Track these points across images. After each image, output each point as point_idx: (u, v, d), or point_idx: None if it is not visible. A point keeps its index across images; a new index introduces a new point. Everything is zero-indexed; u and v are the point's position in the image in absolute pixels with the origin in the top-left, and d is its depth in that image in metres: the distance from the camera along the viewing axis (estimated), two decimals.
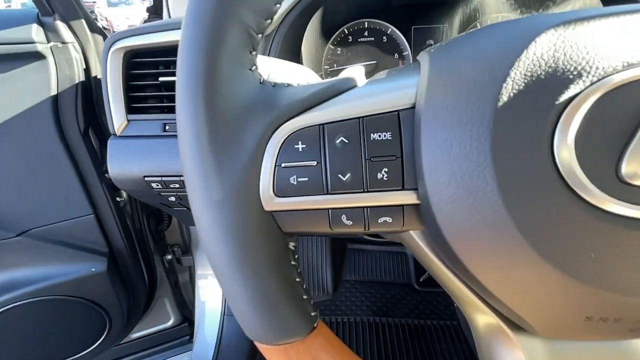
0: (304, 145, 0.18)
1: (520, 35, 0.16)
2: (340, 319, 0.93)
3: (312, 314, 0.20)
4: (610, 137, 0.14)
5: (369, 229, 0.19)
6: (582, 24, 0.15)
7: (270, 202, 0.18)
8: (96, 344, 0.74)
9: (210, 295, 0.90)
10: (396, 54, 0.53)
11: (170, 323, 0.98)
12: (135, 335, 0.94)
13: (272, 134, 0.18)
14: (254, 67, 0.19)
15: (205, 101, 0.17)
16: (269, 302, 0.18)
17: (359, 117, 0.18)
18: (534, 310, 0.17)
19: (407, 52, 0.52)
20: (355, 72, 0.24)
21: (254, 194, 0.18)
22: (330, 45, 0.53)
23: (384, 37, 0.52)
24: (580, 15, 0.15)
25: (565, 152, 0.14)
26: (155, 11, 0.71)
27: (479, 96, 0.15)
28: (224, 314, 0.87)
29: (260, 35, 0.19)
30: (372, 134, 0.18)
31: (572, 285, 0.15)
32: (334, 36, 0.52)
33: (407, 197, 0.18)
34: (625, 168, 0.14)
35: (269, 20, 0.19)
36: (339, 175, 0.18)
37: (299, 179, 0.18)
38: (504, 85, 0.15)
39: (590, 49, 0.15)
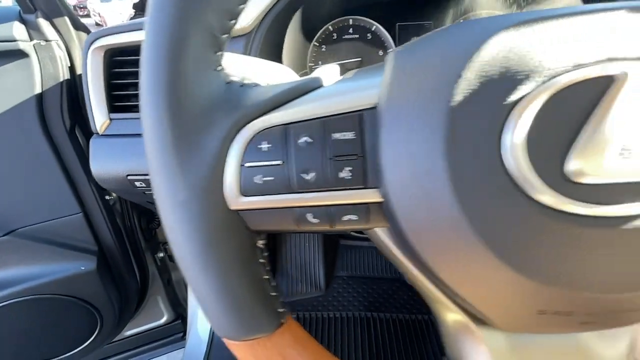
0: (269, 145, 0.18)
1: (476, 36, 0.16)
2: (333, 315, 0.94)
3: (280, 310, 0.20)
4: (557, 136, 0.14)
5: (335, 227, 0.19)
6: (535, 24, 0.15)
7: (236, 201, 0.18)
8: (88, 342, 0.74)
9: None
10: (381, 51, 0.53)
11: (163, 320, 0.99)
12: (128, 332, 0.95)
13: (237, 134, 0.18)
14: (219, 68, 0.19)
15: (167, 102, 0.17)
16: (233, 299, 0.18)
17: (322, 117, 0.18)
18: (492, 304, 0.17)
19: (391, 49, 0.52)
20: (327, 71, 0.24)
21: (218, 194, 0.18)
22: (315, 43, 0.53)
23: (369, 34, 0.52)
24: (535, 16, 0.15)
25: (514, 151, 0.14)
26: (142, 7, 0.70)
27: (434, 97, 0.16)
28: None
29: (225, 36, 0.19)
30: (335, 134, 0.18)
31: (523, 281, 0.15)
32: (318, 33, 0.52)
33: (371, 195, 0.18)
34: (571, 166, 0.14)
35: (233, 21, 0.19)
36: (304, 175, 0.18)
37: (264, 178, 0.18)
38: (457, 86, 0.15)
39: (541, 49, 0.15)
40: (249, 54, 0.39)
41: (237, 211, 0.19)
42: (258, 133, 0.18)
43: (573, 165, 0.14)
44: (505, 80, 0.15)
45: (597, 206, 0.14)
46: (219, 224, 0.18)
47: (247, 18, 0.38)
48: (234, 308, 0.18)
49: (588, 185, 0.14)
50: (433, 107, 0.16)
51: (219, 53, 0.19)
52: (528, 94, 0.14)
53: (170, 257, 0.96)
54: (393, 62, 0.18)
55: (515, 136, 0.14)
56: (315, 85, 0.20)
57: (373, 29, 0.52)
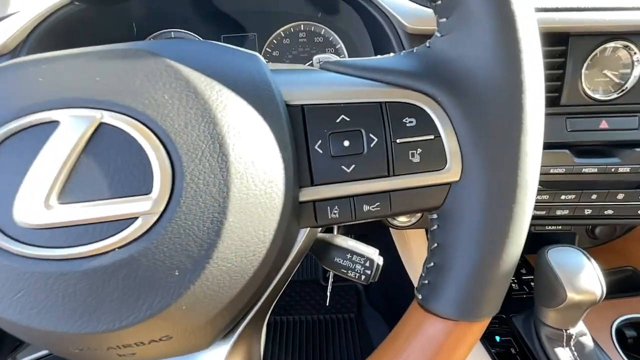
0: None
1: None
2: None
3: None
4: (6, 182, 0.14)
5: None
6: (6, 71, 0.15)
7: None
8: None
9: None
10: None
11: None
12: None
13: None
14: None
15: None
16: None
17: None
18: None
19: None
20: None
21: None
22: None
23: None
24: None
25: None
26: None
27: None
28: None
29: None
30: None
31: (35, 329, 0.15)
32: None
33: None
34: (18, 212, 0.14)
35: None
36: None
37: None
38: None
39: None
40: None
41: None
42: None
43: (19, 210, 0.14)
44: None
45: (49, 249, 0.14)
46: None
47: (7, 34, 0.37)
48: None
49: (38, 229, 0.14)
50: None
51: None
52: None
53: None
54: None
55: None
56: None
57: None
